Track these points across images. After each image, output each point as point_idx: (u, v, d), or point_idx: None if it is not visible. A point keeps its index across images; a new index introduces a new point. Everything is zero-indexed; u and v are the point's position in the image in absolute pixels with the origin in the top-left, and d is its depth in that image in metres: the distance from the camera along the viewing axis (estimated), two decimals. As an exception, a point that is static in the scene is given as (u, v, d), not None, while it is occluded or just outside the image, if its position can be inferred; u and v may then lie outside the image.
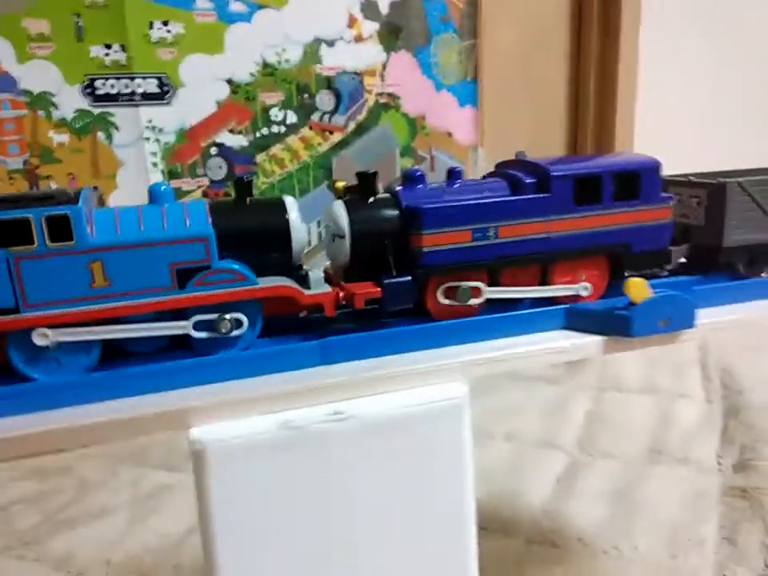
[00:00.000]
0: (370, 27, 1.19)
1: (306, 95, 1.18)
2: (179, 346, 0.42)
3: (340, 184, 0.48)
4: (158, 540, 0.84)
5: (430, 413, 0.41)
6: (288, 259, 0.45)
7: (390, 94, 1.23)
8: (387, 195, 0.48)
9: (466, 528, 0.43)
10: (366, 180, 0.47)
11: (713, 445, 0.99)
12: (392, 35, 1.21)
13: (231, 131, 1.14)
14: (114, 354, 0.42)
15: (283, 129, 1.17)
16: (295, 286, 0.43)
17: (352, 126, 1.22)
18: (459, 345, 0.45)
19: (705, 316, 0.49)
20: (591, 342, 0.45)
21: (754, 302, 0.53)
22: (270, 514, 0.38)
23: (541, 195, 0.48)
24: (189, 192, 1.13)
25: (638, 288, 0.45)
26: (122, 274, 0.40)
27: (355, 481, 0.40)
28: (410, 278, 0.45)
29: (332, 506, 0.39)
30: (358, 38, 1.19)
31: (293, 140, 1.19)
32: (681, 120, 1.46)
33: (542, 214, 0.48)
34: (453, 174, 0.49)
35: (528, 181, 0.48)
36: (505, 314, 0.47)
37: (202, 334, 0.41)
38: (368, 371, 0.41)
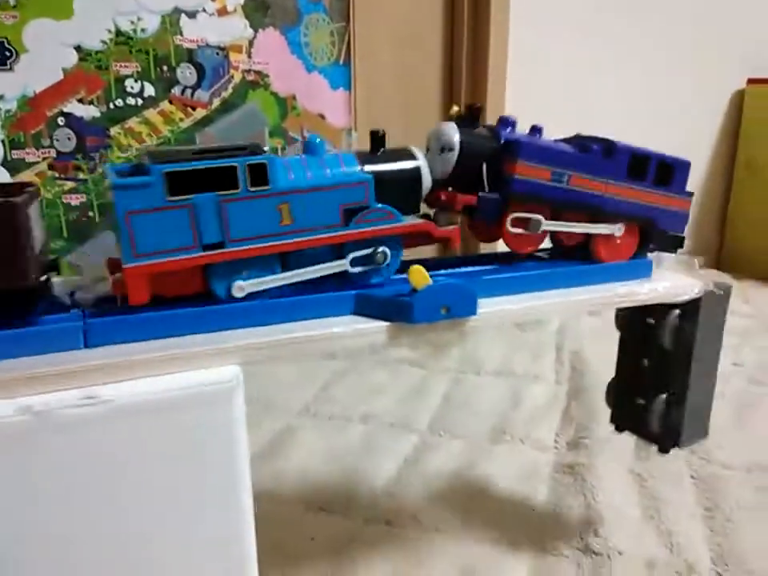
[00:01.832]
0: (235, 1, 1.15)
1: (165, 68, 1.13)
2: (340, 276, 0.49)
3: (454, 109, 0.56)
4: None
5: (194, 398, 0.40)
6: (417, 200, 0.52)
7: (257, 72, 1.21)
8: (486, 130, 0.56)
9: (241, 517, 0.42)
10: (475, 111, 0.55)
11: (554, 424, 1.04)
12: (259, 11, 1.18)
13: (81, 101, 1.08)
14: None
15: (140, 101, 1.12)
16: (429, 222, 0.51)
17: (217, 102, 1.18)
18: (241, 329, 0.45)
19: (496, 304, 0.51)
20: (375, 328, 0.46)
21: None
22: (8, 508, 0.36)
23: (606, 160, 0.57)
24: (33, 164, 1.05)
25: (419, 275, 0.46)
26: (302, 213, 0.46)
27: (112, 470, 0.38)
28: (499, 196, 0.53)
29: (85, 498, 0.38)
30: (222, 12, 1.15)
31: (151, 114, 1.14)
32: (548, 102, 1.52)
33: (603, 175, 0.57)
34: (535, 130, 0.57)
35: (595, 147, 0.57)
36: (292, 299, 0.47)
37: (358, 269, 0.49)
38: (132, 355, 0.40)
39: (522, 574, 0.72)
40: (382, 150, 0.51)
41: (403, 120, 1.37)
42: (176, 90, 1.14)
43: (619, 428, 0.74)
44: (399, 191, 0.50)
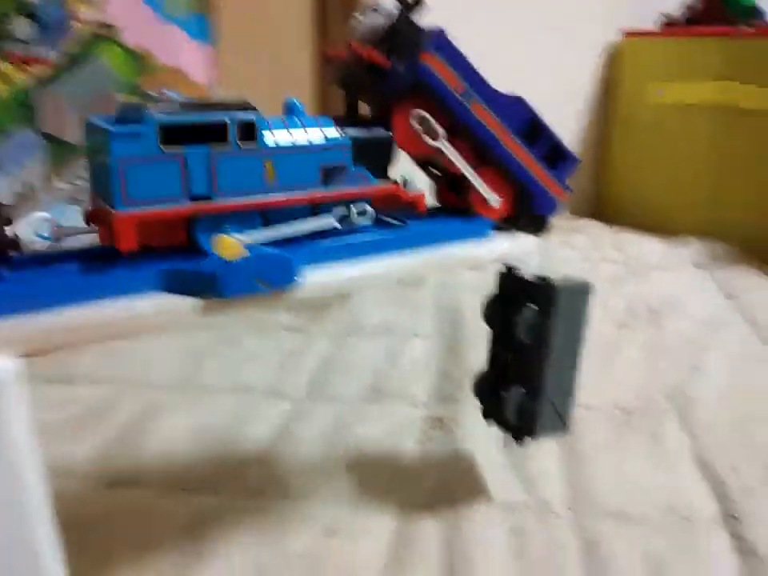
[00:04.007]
0: (71, -56, 1.04)
1: (-6, 20, 1.01)
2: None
3: None
4: None
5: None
6: (387, 165, 0.56)
7: (105, 24, 1.11)
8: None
9: (34, 530, 0.39)
10: (418, 3, 0.56)
11: (429, 379, 1.05)
12: (100, -44, 1.08)
13: None
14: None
15: (-32, 59, 1.01)
16: (399, 186, 0.55)
17: (59, 58, 1.08)
18: (24, 314, 0.40)
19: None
20: (184, 305, 0.43)
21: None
22: None
23: (514, 107, 0.59)
24: None
25: (228, 246, 0.43)
26: (286, 171, 0.49)
27: None
28: (410, 73, 0.54)
29: None
30: (57, -43, 1.04)
31: (-18, 73, 1.02)
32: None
33: (502, 120, 0.58)
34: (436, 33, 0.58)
35: (513, 95, 0.59)
36: (91, 275, 0.43)
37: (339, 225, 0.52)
38: None
39: (385, 531, 0.73)
40: (357, 117, 0.55)
41: (271, 73, 1.31)
42: (10, 46, 1.03)
43: (486, 416, 0.77)
44: (372, 156, 0.53)
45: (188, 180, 0.44)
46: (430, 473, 0.82)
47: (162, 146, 0.43)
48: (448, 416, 0.94)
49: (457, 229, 0.59)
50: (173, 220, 0.45)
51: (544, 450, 0.86)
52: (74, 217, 0.49)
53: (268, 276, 0.44)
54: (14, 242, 0.43)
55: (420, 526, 0.73)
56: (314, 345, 1.17)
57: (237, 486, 0.80)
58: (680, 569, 0.68)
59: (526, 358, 0.69)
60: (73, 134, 1.09)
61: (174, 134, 0.44)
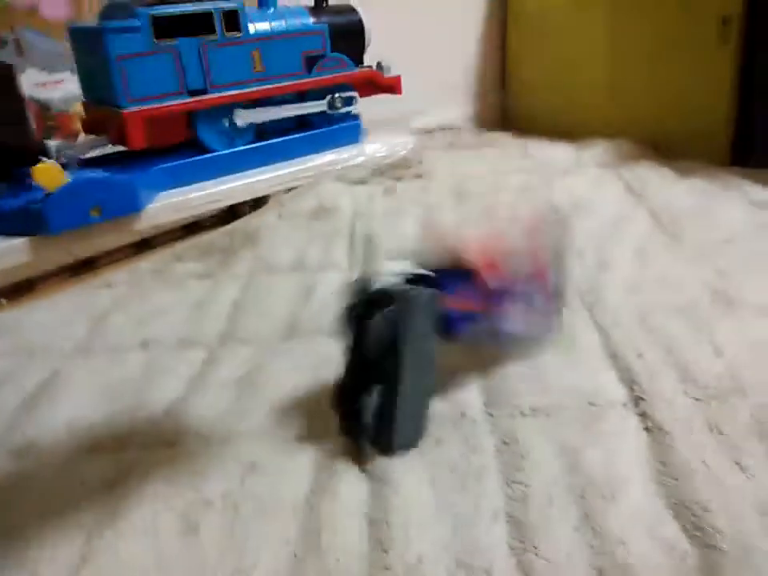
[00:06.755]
0: None
1: None
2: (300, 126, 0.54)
3: None
4: None
5: None
6: (362, 50, 0.57)
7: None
8: None
9: None
10: None
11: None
12: None
13: None
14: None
15: None
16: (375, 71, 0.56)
17: None
18: None
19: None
20: (7, 249, 0.38)
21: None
22: None
23: None
24: None
25: (47, 174, 0.38)
26: (272, 60, 0.49)
27: None
28: None
29: None
30: None
31: None
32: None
33: None
34: None
35: None
36: None
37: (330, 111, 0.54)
38: None
39: (307, 464, 0.71)
40: (325, 5, 0.55)
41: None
42: None
43: (343, 432, 0.74)
44: (347, 42, 0.54)
45: (184, 74, 0.44)
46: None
47: (156, 40, 0.43)
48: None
49: (330, 136, 0.55)
50: (174, 116, 0.45)
51: (455, 362, 0.86)
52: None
53: (104, 204, 0.40)
54: None
55: (342, 452, 0.72)
56: (224, 290, 1.12)
57: (150, 440, 0.77)
58: (593, 452, 0.70)
59: (377, 368, 0.68)
60: None
61: (166, 27, 0.44)
